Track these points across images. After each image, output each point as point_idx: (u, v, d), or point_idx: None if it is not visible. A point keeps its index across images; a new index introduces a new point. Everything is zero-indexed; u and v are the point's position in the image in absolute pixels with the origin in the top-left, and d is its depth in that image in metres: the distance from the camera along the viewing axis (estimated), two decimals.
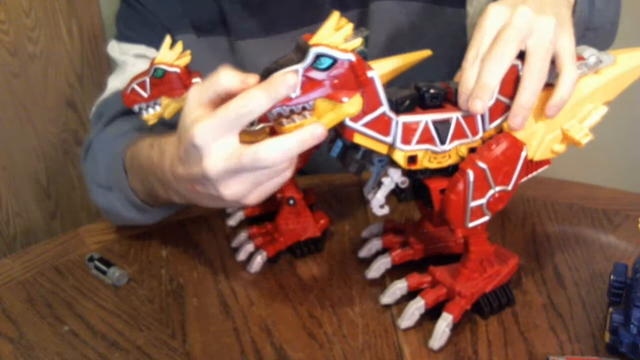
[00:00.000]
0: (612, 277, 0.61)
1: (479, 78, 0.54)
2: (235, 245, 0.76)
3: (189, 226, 0.82)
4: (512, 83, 0.56)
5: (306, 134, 0.51)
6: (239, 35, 0.91)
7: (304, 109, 0.51)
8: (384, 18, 0.89)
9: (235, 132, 0.53)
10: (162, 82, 0.66)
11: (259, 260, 0.72)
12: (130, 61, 0.86)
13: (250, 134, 0.72)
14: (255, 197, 0.56)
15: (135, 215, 0.76)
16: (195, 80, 0.68)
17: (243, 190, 0.54)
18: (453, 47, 0.79)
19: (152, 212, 0.76)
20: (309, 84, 0.51)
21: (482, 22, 0.56)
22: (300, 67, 0.50)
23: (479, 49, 0.55)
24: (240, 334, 0.63)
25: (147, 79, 0.66)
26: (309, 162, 0.74)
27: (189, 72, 0.68)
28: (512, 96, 0.56)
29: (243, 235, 0.76)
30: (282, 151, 0.51)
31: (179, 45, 0.67)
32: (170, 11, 0.90)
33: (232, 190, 0.54)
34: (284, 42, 0.89)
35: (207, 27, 0.91)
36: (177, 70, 0.66)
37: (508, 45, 0.54)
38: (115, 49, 0.90)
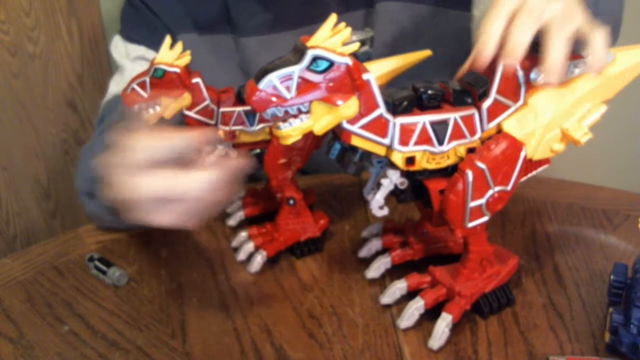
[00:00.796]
0: (612, 277, 0.61)
1: (508, 38, 0.53)
2: (235, 245, 0.76)
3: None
4: (511, 83, 0.56)
5: (231, 164, 0.51)
6: (244, 32, 0.91)
7: (299, 111, 0.51)
8: (388, 19, 0.90)
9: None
10: (162, 82, 0.66)
11: (258, 260, 0.72)
12: (129, 66, 0.87)
13: (250, 134, 0.72)
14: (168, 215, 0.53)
15: (116, 220, 0.71)
16: (195, 80, 0.68)
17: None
18: (455, 49, 0.79)
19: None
20: (304, 86, 0.50)
21: (496, 3, 0.55)
22: (297, 68, 0.50)
23: (496, 21, 0.54)
24: (240, 334, 0.63)
25: (147, 79, 0.66)
26: (309, 162, 0.74)
27: (189, 71, 0.68)
28: (511, 96, 0.56)
29: (243, 235, 0.76)
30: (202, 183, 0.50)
31: (179, 45, 0.67)
32: (173, 10, 0.90)
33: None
34: (289, 39, 0.89)
35: (211, 25, 0.91)
36: (177, 70, 0.66)
37: (527, 21, 0.53)
38: (118, 47, 0.91)
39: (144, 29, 0.89)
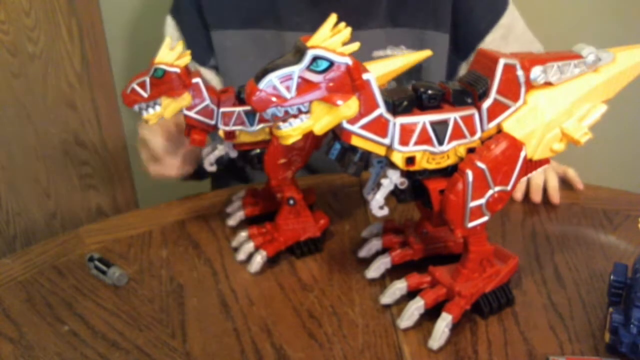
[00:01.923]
0: (612, 277, 0.61)
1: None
2: (235, 246, 0.76)
3: (189, 226, 0.82)
4: (511, 83, 0.56)
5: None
6: (289, 27, 0.92)
7: (299, 111, 0.51)
8: (434, 48, 0.97)
9: None
10: (162, 82, 0.66)
11: (258, 260, 0.72)
12: None
13: (250, 134, 0.72)
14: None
15: None
16: (195, 80, 0.68)
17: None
18: None
19: None
20: (305, 86, 0.50)
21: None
22: (297, 68, 0.50)
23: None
24: (240, 334, 0.63)
25: (147, 79, 0.66)
26: (309, 162, 0.74)
27: (189, 72, 0.68)
28: (511, 96, 0.56)
29: (243, 235, 0.76)
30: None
31: (180, 45, 0.67)
32: (220, 3, 0.93)
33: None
34: None
35: (255, 19, 0.94)
36: (177, 70, 0.66)
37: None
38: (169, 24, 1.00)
39: (186, 28, 0.93)
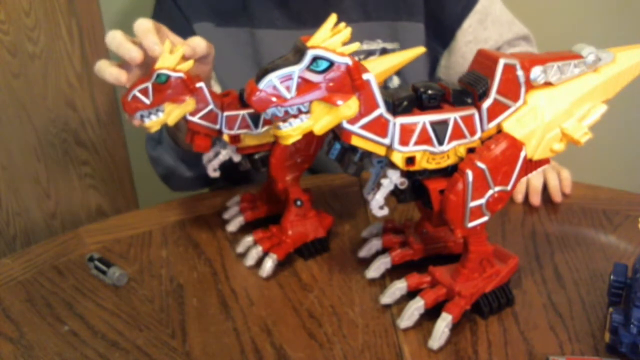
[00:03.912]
0: (612, 277, 0.61)
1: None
2: (241, 251, 0.74)
3: (189, 226, 0.82)
4: (511, 83, 0.56)
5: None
6: (261, 24, 0.93)
7: (299, 111, 0.51)
8: (409, 37, 0.96)
9: None
10: (165, 88, 0.64)
11: (270, 264, 0.70)
12: None
13: (255, 137, 0.71)
14: None
15: (180, 165, 0.88)
16: (199, 85, 0.66)
17: None
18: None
19: (194, 163, 0.85)
20: (305, 86, 0.50)
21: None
22: (297, 68, 0.50)
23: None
24: (240, 334, 0.63)
25: (150, 85, 0.63)
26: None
27: (192, 76, 0.66)
28: (511, 96, 0.56)
29: (249, 240, 0.74)
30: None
31: (180, 50, 0.64)
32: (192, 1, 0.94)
33: None
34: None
35: (228, 17, 0.94)
36: (182, 75, 0.64)
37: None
38: None
39: (168, 21, 0.92)
